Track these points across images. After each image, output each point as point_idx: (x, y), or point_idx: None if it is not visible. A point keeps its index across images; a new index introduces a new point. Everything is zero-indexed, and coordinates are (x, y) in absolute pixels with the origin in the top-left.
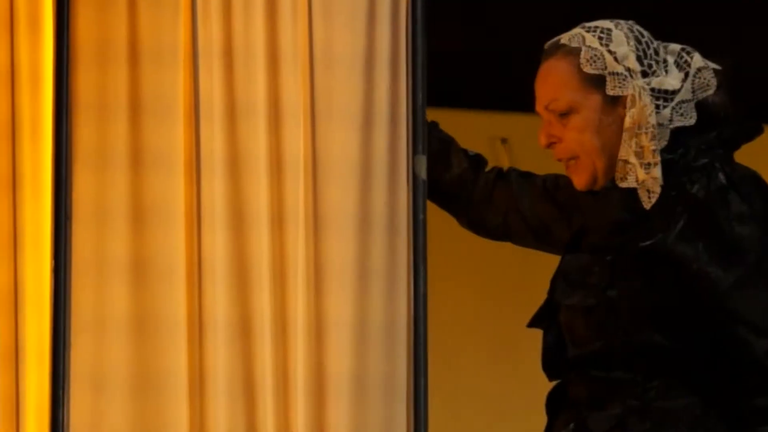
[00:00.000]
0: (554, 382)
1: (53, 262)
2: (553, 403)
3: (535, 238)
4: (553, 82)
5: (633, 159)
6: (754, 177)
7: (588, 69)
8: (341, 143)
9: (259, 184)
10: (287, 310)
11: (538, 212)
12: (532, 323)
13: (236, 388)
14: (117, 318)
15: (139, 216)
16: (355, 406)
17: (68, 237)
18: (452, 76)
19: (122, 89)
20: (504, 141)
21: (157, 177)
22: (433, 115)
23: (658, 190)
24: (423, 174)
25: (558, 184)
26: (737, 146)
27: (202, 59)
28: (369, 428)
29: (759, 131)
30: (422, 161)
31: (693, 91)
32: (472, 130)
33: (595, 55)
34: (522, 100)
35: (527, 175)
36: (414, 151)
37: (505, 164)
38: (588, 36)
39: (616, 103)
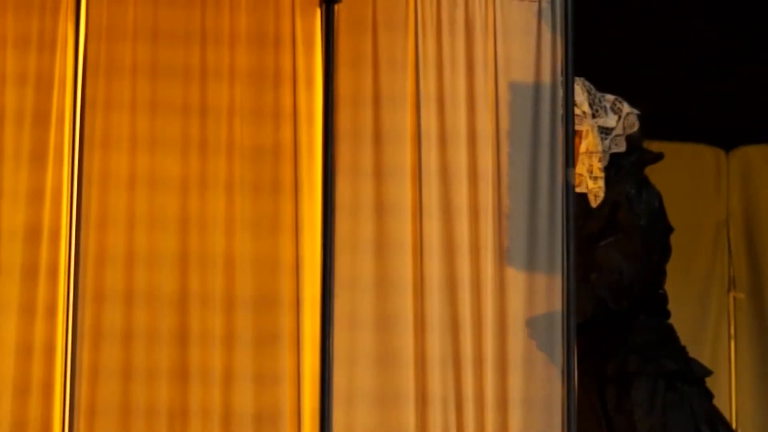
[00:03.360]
0: None
1: (322, 240)
2: None
3: None
4: None
5: (585, 173)
6: (653, 187)
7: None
8: (517, 159)
9: (461, 187)
10: (480, 273)
11: None
12: None
13: (445, 326)
14: (365, 279)
15: (381, 209)
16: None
17: (332, 225)
18: None
19: (368, 123)
20: None
21: (392, 183)
22: None
23: (602, 195)
24: (572, 181)
25: None
26: (647, 166)
27: (423, 102)
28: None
29: (662, 157)
30: (572, 173)
31: (624, 129)
32: None
33: None
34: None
35: None
36: (567, 165)
37: None
38: None
39: (575, 135)
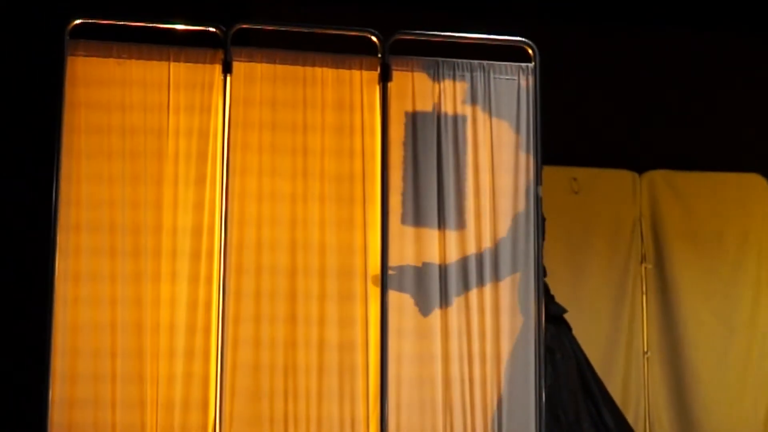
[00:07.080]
0: None
1: (381, 233)
2: None
3: None
4: None
5: None
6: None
7: None
8: (504, 179)
9: (469, 198)
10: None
11: None
12: None
13: (460, 276)
14: (409, 258)
15: (419, 214)
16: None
17: (387, 223)
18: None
19: (410, 159)
20: (575, 179)
21: (426, 197)
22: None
23: None
24: (540, 194)
25: None
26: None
27: (444, 144)
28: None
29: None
30: (539, 189)
31: None
32: (556, 175)
33: None
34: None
35: None
36: (536, 183)
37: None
38: None
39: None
